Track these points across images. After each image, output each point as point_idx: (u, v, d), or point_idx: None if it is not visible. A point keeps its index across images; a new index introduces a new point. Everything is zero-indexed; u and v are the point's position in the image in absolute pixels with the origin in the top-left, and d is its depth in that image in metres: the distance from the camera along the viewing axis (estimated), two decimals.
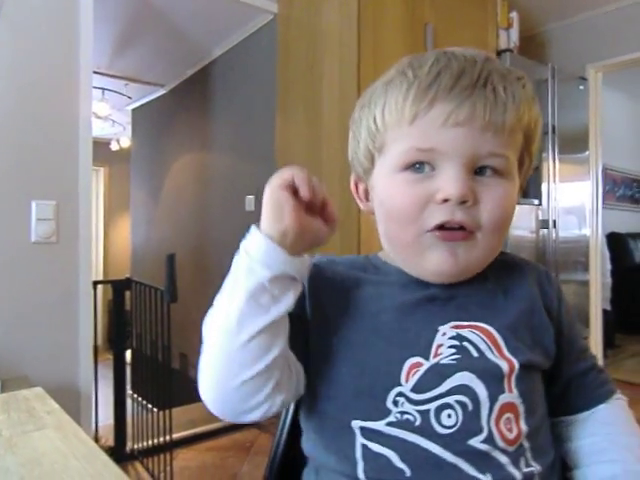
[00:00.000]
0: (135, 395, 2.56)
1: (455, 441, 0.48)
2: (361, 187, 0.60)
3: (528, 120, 0.52)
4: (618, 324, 4.16)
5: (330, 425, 0.53)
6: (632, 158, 5.10)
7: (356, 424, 0.50)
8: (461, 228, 0.50)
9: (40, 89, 1.69)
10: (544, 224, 2.90)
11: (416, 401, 0.49)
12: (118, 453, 2.24)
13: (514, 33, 2.84)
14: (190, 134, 3.71)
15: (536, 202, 2.88)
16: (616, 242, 4.71)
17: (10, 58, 1.64)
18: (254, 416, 0.49)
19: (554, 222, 2.94)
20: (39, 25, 1.69)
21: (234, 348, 0.47)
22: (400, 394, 0.49)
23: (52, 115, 1.71)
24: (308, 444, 0.57)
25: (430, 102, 0.49)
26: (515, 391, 0.51)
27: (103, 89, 4.09)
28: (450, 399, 0.49)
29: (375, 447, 0.49)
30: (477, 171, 0.51)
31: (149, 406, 2.36)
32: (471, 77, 0.49)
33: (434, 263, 0.52)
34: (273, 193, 0.47)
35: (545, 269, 0.63)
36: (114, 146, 5.81)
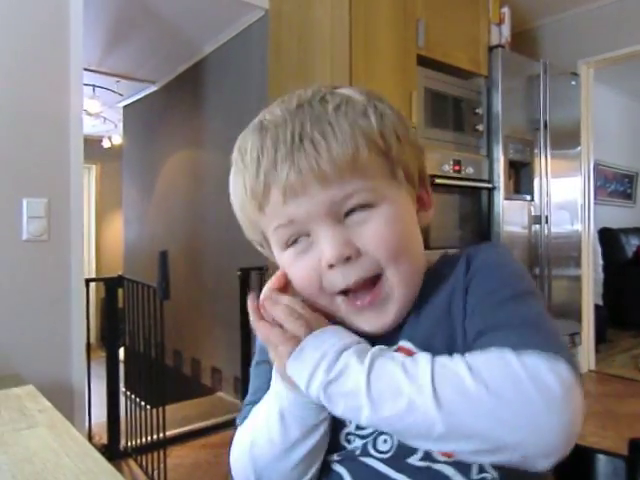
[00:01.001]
0: (128, 393, 2.56)
1: (394, 461, 0.49)
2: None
3: (367, 140, 0.49)
4: (610, 319, 4.19)
5: None
6: (624, 154, 5.14)
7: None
8: (369, 282, 0.49)
9: (31, 86, 1.67)
10: (536, 220, 2.92)
11: (362, 435, 0.51)
12: (112, 451, 2.23)
13: (505, 29, 2.85)
14: (182, 131, 3.69)
15: (528, 198, 2.90)
16: (608, 237, 4.75)
17: (0, 55, 1.62)
18: None
19: (546, 218, 2.96)
20: (29, 22, 1.67)
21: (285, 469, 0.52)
22: (350, 434, 0.52)
23: (43, 112, 1.70)
24: None
25: (264, 189, 0.49)
26: None
27: (94, 86, 4.06)
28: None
29: (335, 466, 0.52)
30: (345, 215, 0.49)
31: (142, 403, 2.36)
32: (285, 143, 0.48)
33: (367, 328, 0.50)
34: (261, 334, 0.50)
35: (469, 253, 0.53)
36: (106, 143, 5.77)
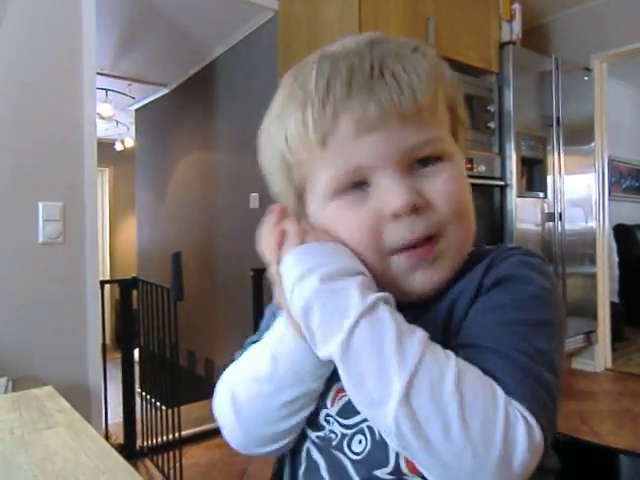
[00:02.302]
0: (144, 393, 2.58)
1: (362, 468, 0.46)
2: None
3: (444, 89, 0.46)
4: (626, 317, 4.13)
5: None
6: (638, 149, 5.06)
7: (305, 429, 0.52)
8: (427, 239, 0.45)
9: (44, 91, 1.70)
10: (550, 217, 2.89)
11: (343, 425, 0.48)
12: (128, 450, 2.26)
13: (517, 25, 2.83)
14: (193, 133, 3.72)
15: (541, 195, 2.87)
16: (623, 234, 4.68)
17: (14, 60, 1.65)
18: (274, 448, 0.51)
19: (560, 215, 2.93)
20: (43, 27, 1.69)
21: (273, 407, 0.48)
22: (329, 415, 0.49)
23: (57, 117, 1.72)
24: None
25: (333, 118, 0.43)
26: None
27: (106, 90, 4.10)
28: (364, 424, 0.46)
29: (314, 453, 0.51)
30: (415, 166, 0.45)
31: (158, 404, 2.38)
32: (363, 72, 0.43)
33: (419, 285, 0.46)
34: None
35: (496, 255, 0.48)
36: (118, 146, 5.84)
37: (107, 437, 2.20)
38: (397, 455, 0.44)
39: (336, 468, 0.48)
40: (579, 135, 3.14)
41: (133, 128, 4.89)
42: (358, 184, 0.45)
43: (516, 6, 2.83)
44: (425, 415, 0.36)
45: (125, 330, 2.41)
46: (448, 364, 0.37)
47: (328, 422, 0.49)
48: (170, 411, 2.14)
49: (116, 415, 2.38)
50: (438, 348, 0.39)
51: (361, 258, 0.44)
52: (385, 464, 0.44)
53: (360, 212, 0.45)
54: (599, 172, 3.33)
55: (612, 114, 3.53)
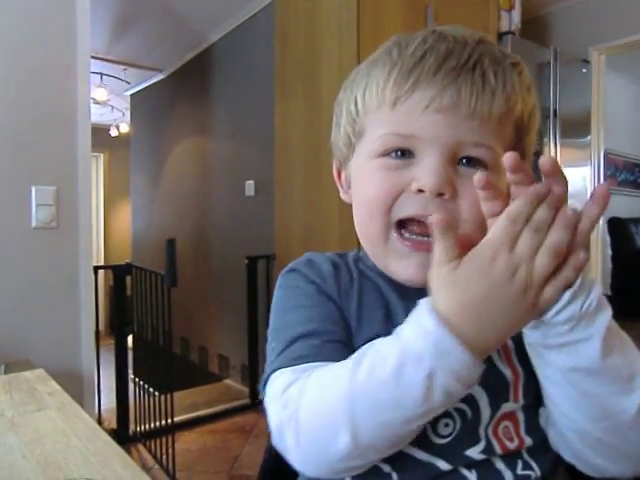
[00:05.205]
0: (137, 379, 2.59)
1: (451, 452, 0.46)
2: (343, 174, 0.57)
3: (521, 111, 0.48)
4: (619, 310, 4.12)
5: None
6: (635, 142, 5.06)
7: None
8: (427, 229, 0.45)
9: (38, 74, 1.67)
10: None
11: None
12: (121, 435, 2.26)
13: (516, 15, 2.81)
14: (189, 119, 3.69)
15: None
16: (617, 227, 4.70)
17: (7, 43, 1.62)
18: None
19: None
20: (36, 10, 1.67)
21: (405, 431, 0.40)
22: None
23: (50, 101, 1.70)
24: None
25: (412, 86, 0.45)
26: (522, 400, 0.48)
27: (101, 74, 4.06)
28: (449, 407, 0.45)
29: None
30: (459, 162, 0.46)
31: (151, 390, 2.39)
32: (458, 59, 0.45)
33: (402, 272, 0.48)
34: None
35: None
36: (113, 132, 5.79)
37: (100, 422, 2.21)
38: (487, 432, 0.46)
39: (405, 462, 0.45)
40: (576, 127, 3.13)
41: (128, 113, 4.84)
42: (403, 152, 0.47)
43: None
44: None
45: (119, 316, 2.41)
46: None
47: None
48: (163, 397, 2.15)
49: (109, 401, 2.39)
50: None
51: (370, 218, 0.49)
52: (477, 442, 0.46)
53: (393, 176, 0.47)
54: (595, 165, 3.33)
55: (609, 107, 3.53)
